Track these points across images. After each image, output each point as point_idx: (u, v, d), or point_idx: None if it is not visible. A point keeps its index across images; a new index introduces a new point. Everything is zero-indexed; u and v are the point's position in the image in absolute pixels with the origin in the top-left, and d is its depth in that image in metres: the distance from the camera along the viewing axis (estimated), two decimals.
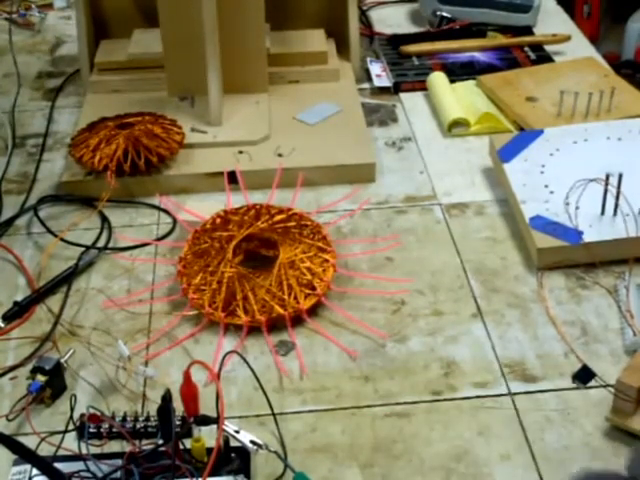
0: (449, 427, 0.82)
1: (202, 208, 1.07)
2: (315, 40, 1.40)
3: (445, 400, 0.84)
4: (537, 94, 1.30)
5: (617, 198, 0.99)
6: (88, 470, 0.73)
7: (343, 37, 1.41)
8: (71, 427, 0.78)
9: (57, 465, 0.72)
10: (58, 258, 1.04)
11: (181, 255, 1.00)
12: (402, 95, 1.37)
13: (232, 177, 1.13)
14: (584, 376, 0.85)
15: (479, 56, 1.46)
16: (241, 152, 1.18)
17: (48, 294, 0.98)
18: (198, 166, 1.16)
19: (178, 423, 0.77)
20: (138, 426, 0.80)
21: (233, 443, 0.76)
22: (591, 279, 0.98)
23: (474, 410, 0.83)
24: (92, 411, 0.79)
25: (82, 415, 0.80)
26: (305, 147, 1.19)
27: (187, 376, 0.75)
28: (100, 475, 0.73)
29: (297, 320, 0.93)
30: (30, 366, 0.86)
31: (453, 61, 1.45)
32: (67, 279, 0.99)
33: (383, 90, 1.38)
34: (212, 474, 0.71)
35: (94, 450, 0.77)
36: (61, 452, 0.76)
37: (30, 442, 0.74)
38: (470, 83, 1.37)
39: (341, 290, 0.97)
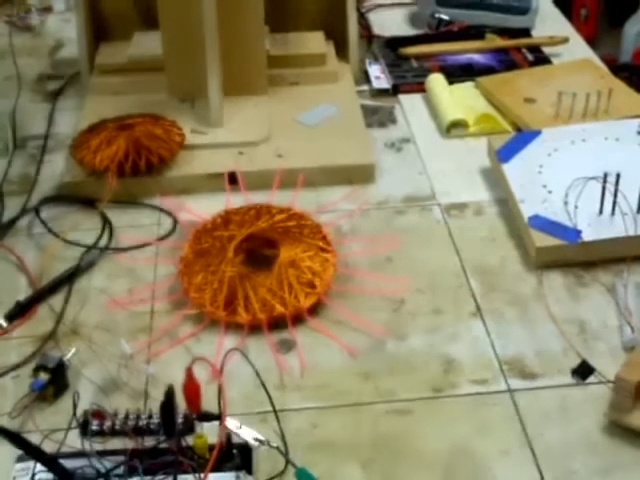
0: (449, 424, 0.82)
1: (203, 208, 1.08)
2: (314, 42, 1.40)
3: (445, 397, 0.85)
4: (535, 95, 1.31)
5: (615, 197, 1.00)
6: (91, 466, 0.74)
7: (342, 39, 1.41)
8: (74, 424, 0.79)
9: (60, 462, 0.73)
10: (60, 259, 1.04)
11: (182, 255, 1.00)
12: (401, 97, 1.38)
13: (232, 178, 1.13)
14: (583, 371, 0.86)
15: (477, 58, 1.47)
16: (241, 153, 1.19)
17: (50, 294, 0.99)
18: (198, 167, 1.17)
19: (180, 420, 0.78)
20: (140, 423, 0.80)
21: (235, 439, 0.76)
22: (590, 277, 0.99)
23: (474, 407, 0.84)
24: (95, 408, 0.79)
25: (85, 412, 0.80)
26: (305, 148, 1.20)
27: (189, 373, 0.75)
28: (103, 472, 0.73)
29: (298, 319, 0.94)
30: (33, 365, 0.86)
31: (451, 63, 1.45)
32: (69, 279, 1.00)
33: (382, 92, 1.39)
34: (214, 470, 0.71)
35: (96, 447, 0.77)
36: (64, 449, 0.77)
37: (33, 440, 0.74)
38: (468, 85, 1.38)
39: (341, 289, 0.98)
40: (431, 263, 1.02)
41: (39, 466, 0.74)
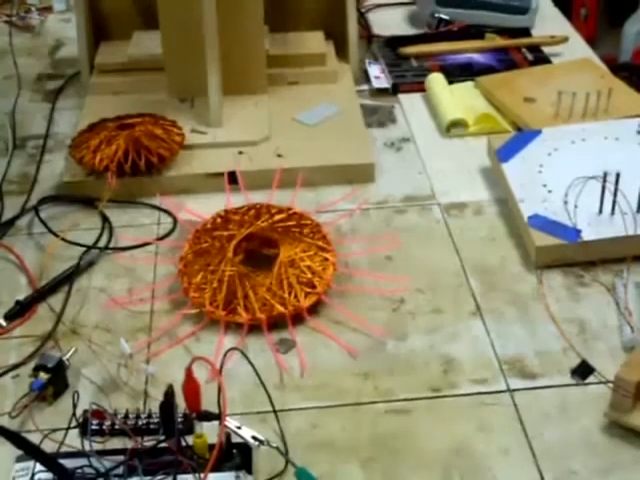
0: (449, 423, 0.82)
1: (202, 208, 1.08)
2: (314, 42, 1.40)
3: (445, 397, 0.85)
4: (535, 95, 1.31)
5: (615, 196, 1.00)
6: (91, 466, 0.74)
7: (342, 39, 1.41)
8: (74, 424, 0.79)
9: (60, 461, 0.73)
10: (59, 258, 1.04)
11: (182, 254, 1.00)
12: (401, 96, 1.38)
13: (232, 177, 1.13)
14: (583, 371, 0.86)
15: (477, 57, 1.47)
16: (241, 153, 1.19)
17: (50, 293, 0.99)
18: (198, 167, 1.17)
19: (180, 419, 0.78)
20: (140, 423, 0.80)
21: (235, 439, 0.76)
22: (590, 277, 0.99)
23: (474, 406, 0.84)
24: (95, 407, 0.79)
25: (85, 411, 0.80)
26: (305, 147, 1.20)
27: (189, 372, 0.75)
28: (103, 471, 0.73)
29: (297, 318, 0.94)
30: (32, 364, 0.86)
31: (451, 62, 1.45)
32: (68, 278, 1.00)
33: (382, 91, 1.39)
34: (214, 470, 0.71)
35: (96, 447, 0.77)
36: (64, 449, 0.77)
37: (33, 439, 0.74)
38: (468, 84, 1.38)
39: (341, 289, 0.98)
40: (431, 263, 1.02)
41: (39, 466, 0.74)
